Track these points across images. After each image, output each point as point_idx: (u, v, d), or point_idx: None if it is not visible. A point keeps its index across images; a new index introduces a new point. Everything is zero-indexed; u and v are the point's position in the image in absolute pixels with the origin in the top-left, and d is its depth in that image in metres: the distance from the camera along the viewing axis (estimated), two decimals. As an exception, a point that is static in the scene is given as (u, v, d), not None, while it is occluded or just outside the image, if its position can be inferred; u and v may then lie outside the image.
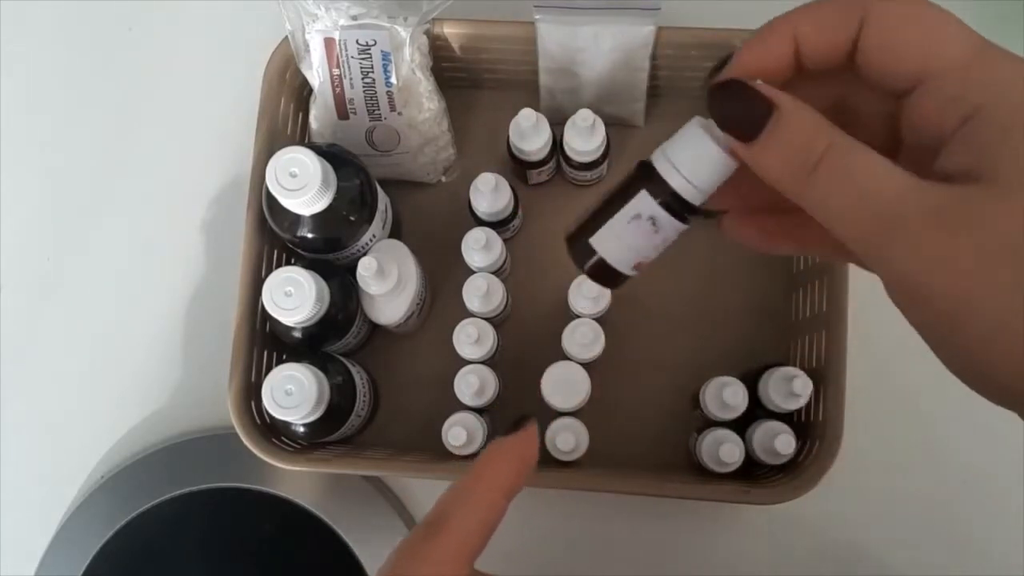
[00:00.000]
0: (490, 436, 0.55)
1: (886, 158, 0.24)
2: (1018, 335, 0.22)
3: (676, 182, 0.27)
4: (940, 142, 0.24)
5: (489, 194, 0.53)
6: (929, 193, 0.23)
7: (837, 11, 0.26)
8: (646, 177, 0.28)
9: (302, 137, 0.59)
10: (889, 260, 0.24)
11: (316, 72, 0.55)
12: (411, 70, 0.54)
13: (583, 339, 0.52)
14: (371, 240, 0.53)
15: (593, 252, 0.28)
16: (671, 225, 0.28)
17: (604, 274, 0.29)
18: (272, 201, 0.50)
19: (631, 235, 0.28)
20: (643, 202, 0.27)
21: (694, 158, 0.27)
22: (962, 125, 0.24)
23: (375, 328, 0.57)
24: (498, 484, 0.30)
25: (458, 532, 0.29)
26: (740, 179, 0.27)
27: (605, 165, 0.57)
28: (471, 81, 0.61)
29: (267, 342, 0.55)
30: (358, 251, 0.53)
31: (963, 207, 0.23)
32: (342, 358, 0.54)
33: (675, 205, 0.27)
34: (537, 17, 0.53)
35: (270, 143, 0.54)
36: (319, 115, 0.56)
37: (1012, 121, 0.23)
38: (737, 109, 0.25)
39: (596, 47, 0.54)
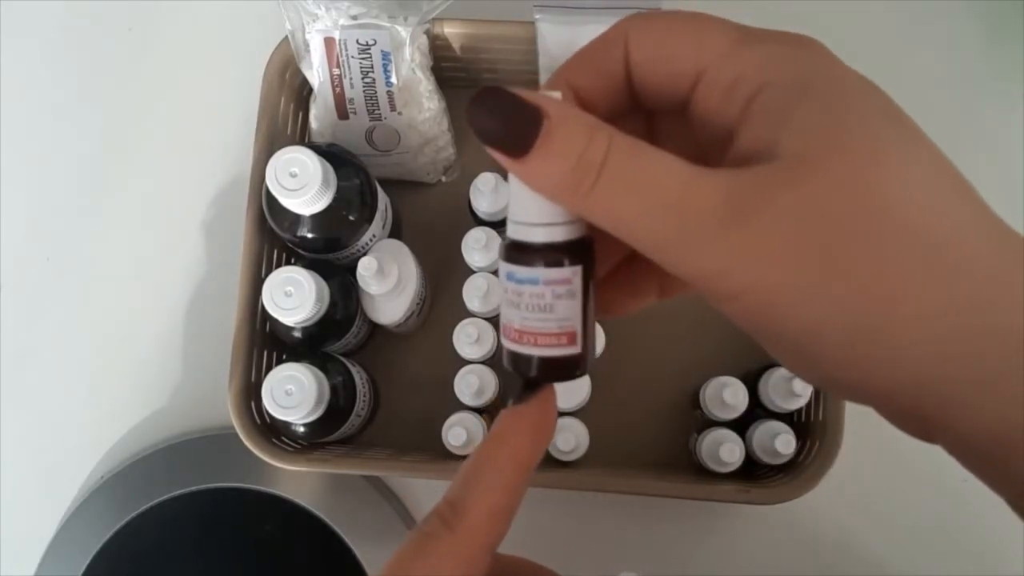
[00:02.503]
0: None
1: (675, 156, 0.22)
2: (833, 327, 0.21)
3: (516, 232, 0.24)
4: (729, 135, 0.23)
5: (489, 194, 0.53)
6: (717, 180, 0.21)
7: (600, 51, 0.25)
8: (501, 254, 0.25)
9: (302, 137, 0.59)
10: (689, 262, 0.22)
11: (316, 72, 0.55)
12: (411, 70, 0.54)
13: (583, 339, 0.52)
14: (371, 240, 0.53)
15: (526, 357, 0.25)
16: (548, 277, 0.24)
17: (554, 367, 0.25)
18: (272, 201, 0.50)
19: (528, 313, 0.24)
20: (504, 272, 0.24)
21: (514, 199, 0.24)
22: (745, 109, 0.23)
23: (375, 328, 0.57)
24: (515, 461, 0.26)
25: (477, 523, 0.25)
26: None
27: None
28: (471, 81, 0.61)
29: (267, 342, 0.55)
30: (358, 251, 0.53)
31: (751, 190, 0.21)
32: (342, 358, 0.54)
33: (526, 255, 0.24)
34: (537, 17, 0.53)
35: (270, 143, 0.54)
36: (319, 115, 0.56)
37: (788, 93, 0.22)
38: (500, 122, 0.22)
39: (596, 47, 0.54)
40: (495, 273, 0.54)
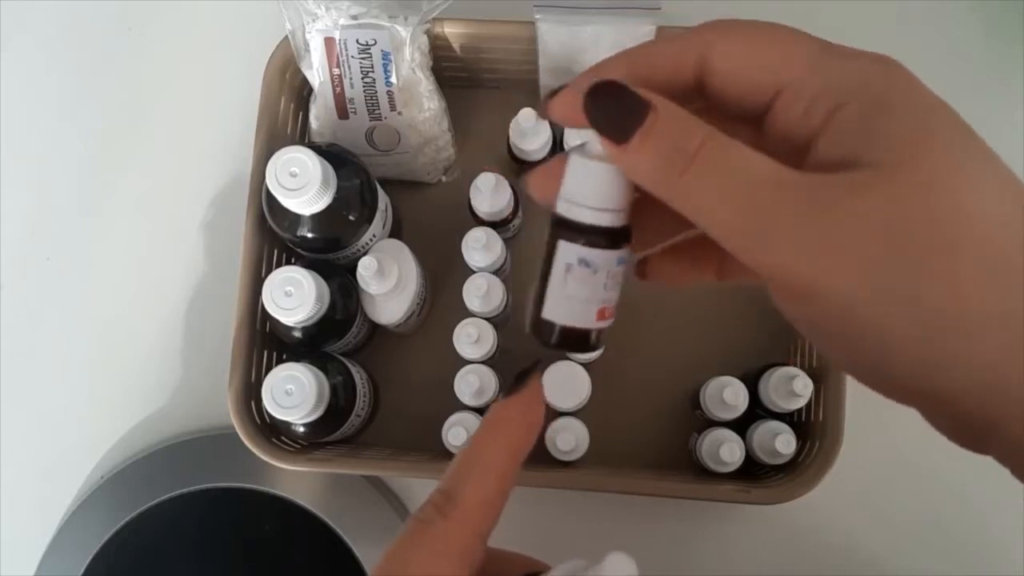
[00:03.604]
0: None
1: (762, 153, 0.23)
2: (909, 324, 0.22)
3: (581, 215, 0.26)
4: (808, 144, 0.25)
5: (489, 194, 0.53)
6: (804, 179, 0.23)
7: (673, 52, 0.26)
8: (557, 227, 0.27)
9: (302, 137, 0.59)
10: (768, 252, 0.23)
11: (316, 72, 0.55)
12: (411, 70, 0.54)
13: (583, 339, 0.52)
14: (371, 240, 0.53)
15: (551, 324, 0.27)
16: (604, 259, 0.26)
17: (574, 339, 0.27)
18: (272, 201, 0.50)
19: (574, 288, 0.27)
20: (564, 251, 0.26)
21: (585, 185, 0.26)
22: (827, 121, 0.24)
23: (375, 328, 0.57)
24: (507, 452, 0.27)
25: (470, 510, 0.26)
26: (644, 216, 0.28)
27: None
28: (471, 81, 0.61)
29: (267, 342, 0.55)
30: (358, 251, 0.53)
31: (838, 192, 0.22)
32: (342, 358, 0.54)
33: (594, 238, 0.26)
34: (537, 17, 0.53)
35: (270, 143, 0.54)
36: (319, 115, 0.56)
37: (872, 107, 0.23)
38: (612, 111, 0.24)
39: (596, 47, 0.54)
40: (495, 273, 0.54)
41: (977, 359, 0.22)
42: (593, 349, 0.28)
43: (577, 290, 0.27)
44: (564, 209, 0.26)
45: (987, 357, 0.22)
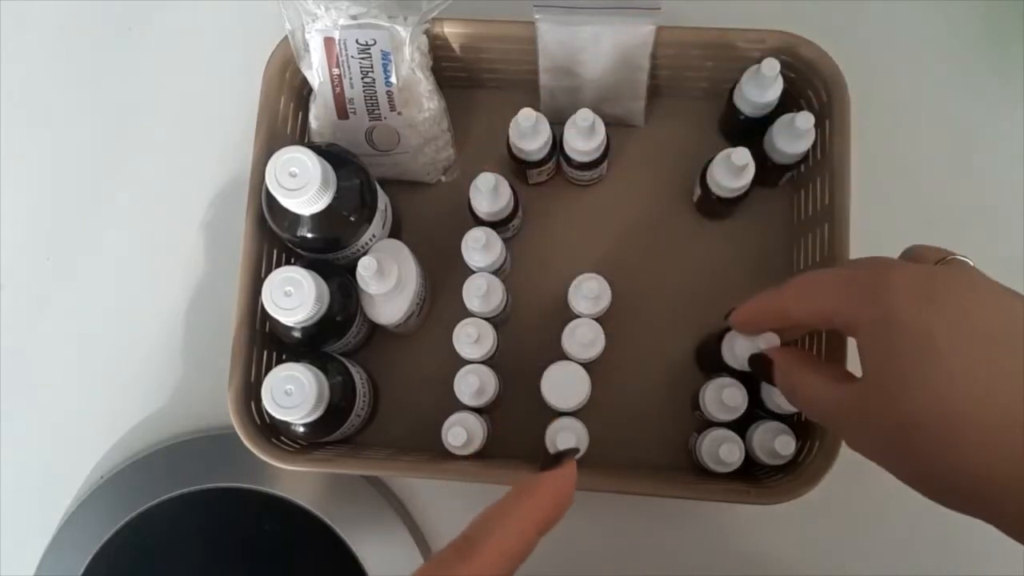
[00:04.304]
0: (490, 436, 0.55)
1: (826, 374, 0.39)
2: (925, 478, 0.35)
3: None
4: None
5: (489, 194, 0.53)
6: (842, 397, 0.38)
7: (770, 305, 0.43)
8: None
9: (302, 137, 0.59)
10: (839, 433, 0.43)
11: (316, 72, 0.55)
12: (411, 70, 0.54)
13: (583, 339, 0.52)
14: (371, 240, 0.53)
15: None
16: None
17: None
18: (272, 201, 0.50)
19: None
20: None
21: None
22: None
23: (375, 328, 0.57)
24: (532, 517, 0.30)
25: (487, 559, 0.28)
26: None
27: (605, 165, 0.57)
28: (471, 81, 0.61)
29: (267, 342, 0.55)
30: (358, 251, 0.53)
31: (863, 400, 0.36)
32: (342, 358, 0.54)
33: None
34: (537, 17, 0.53)
35: (270, 143, 0.54)
36: (319, 115, 0.56)
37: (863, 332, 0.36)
38: (760, 366, 0.45)
39: (596, 47, 0.54)
40: (495, 273, 0.54)
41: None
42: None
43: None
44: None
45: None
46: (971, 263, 0.39)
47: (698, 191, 0.57)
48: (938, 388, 0.33)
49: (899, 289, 0.35)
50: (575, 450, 0.32)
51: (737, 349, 0.48)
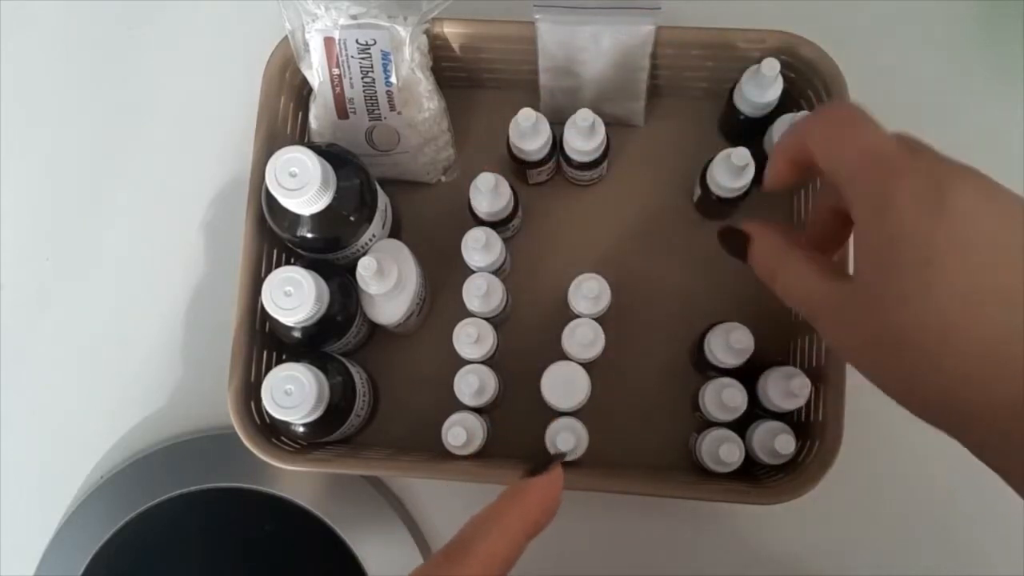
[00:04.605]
0: (490, 436, 0.55)
1: (814, 264, 0.37)
2: (902, 382, 0.34)
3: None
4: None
5: (489, 194, 0.53)
6: (831, 294, 0.36)
7: (796, 146, 0.39)
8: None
9: (302, 137, 0.59)
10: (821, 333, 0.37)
11: (316, 72, 0.55)
12: (411, 70, 0.54)
13: (583, 339, 0.52)
14: (371, 240, 0.53)
15: None
16: None
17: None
18: (272, 201, 0.50)
19: None
20: None
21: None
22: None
23: (375, 328, 0.57)
24: (521, 521, 0.30)
25: (478, 562, 0.29)
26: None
27: (605, 165, 0.57)
28: (471, 81, 0.61)
29: (267, 342, 0.55)
30: (358, 251, 0.53)
31: (850, 301, 0.35)
32: (342, 358, 0.54)
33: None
34: (537, 17, 0.53)
35: (270, 143, 0.54)
36: (319, 115, 0.56)
37: (864, 232, 0.34)
38: (734, 242, 0.42)
39: (596, 47, 0.54)
40: (495, 273, 0.54)
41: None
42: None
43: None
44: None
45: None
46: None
47: (698, 191, 0.57)
48: (938, 304, 0.32)
49: (908, 200, 0.33)
50: (562, 454, 0.33)
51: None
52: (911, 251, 0.32)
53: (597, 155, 0.55)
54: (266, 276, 0.49)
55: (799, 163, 0.38)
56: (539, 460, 0.33)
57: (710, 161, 0.54)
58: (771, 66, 0.51)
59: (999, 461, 0.32)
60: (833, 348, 0.38)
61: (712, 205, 0.56)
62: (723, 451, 0.51)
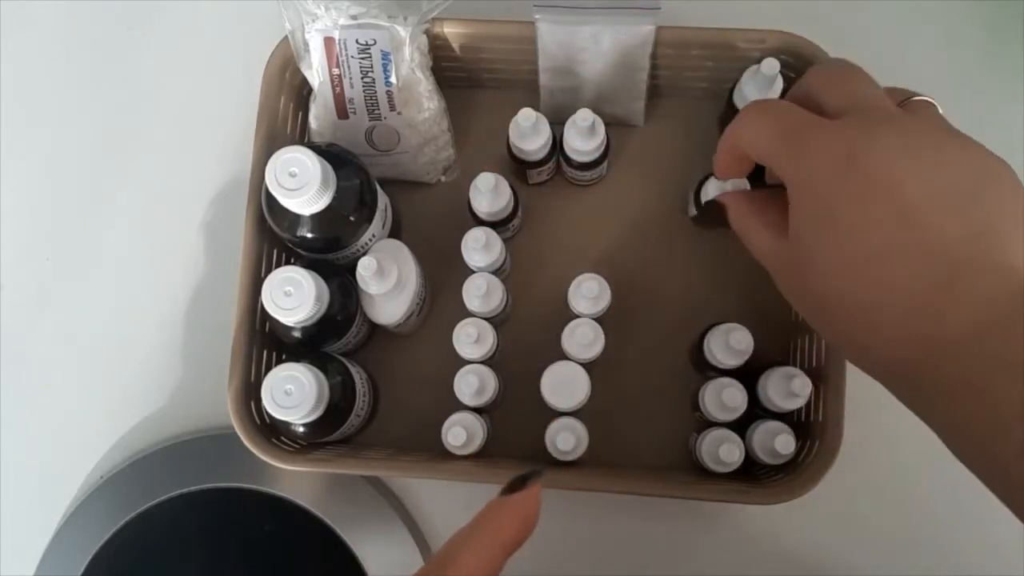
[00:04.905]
0: (490, 436, 0.55)
1: (769, 225, 0.39)
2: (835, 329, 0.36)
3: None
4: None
5: (489, 194, 0.53)
6: (777, 252, 0.39)
7: (732, 144, 0.42)
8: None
9: (302, 137, 0.59)
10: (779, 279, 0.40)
11: (316, 72, 0.55)
12: (411, 70, 0.54)
13: (583, 339, 0.52)
14: (371, 240, 0.53)
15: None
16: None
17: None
18: (271, 201, 0.50)
19: None
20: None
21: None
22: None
23: (375, 328, 0.57)
24: (497, 540, 0.31)
25: (463, 571, 0.30)
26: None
27: (605, 165, 0.57)
28: (471, 81, 0.61)
29: (266, 342, 0.55)
30: (358, 251, 0.53)
31: (788, 258, 0.38)
32: (342, 358, 0.54)
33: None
34: (537, 17, 0.53)
35: (270, 143, 0.54)
36: (319, 115, 0.56)
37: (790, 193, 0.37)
38: (715, 215, 0.44)
39: (596, 47, 0.54)
40: (495, 273, 0.54)
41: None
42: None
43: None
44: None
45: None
46: (935, 105, 0.39)
47: (693, 210, 0.56)
48: (840, 263, 0.34)
49: (819, 152, 0.34)
50: (538, 472, 0.33)
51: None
52: (818, 206, 0.34)
53: (597, 155, 0.55)
54: (266, 276, 0.49)
55: (738, 156, 0.41)
56: (516, 477, 0.33)
57: (703, 181, 0.54)
58: (771, 66, 0.51)
59: (919, 413, 0.35)
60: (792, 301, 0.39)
61: (708, 215, 0.56)
62: (723, 451, 0.51)
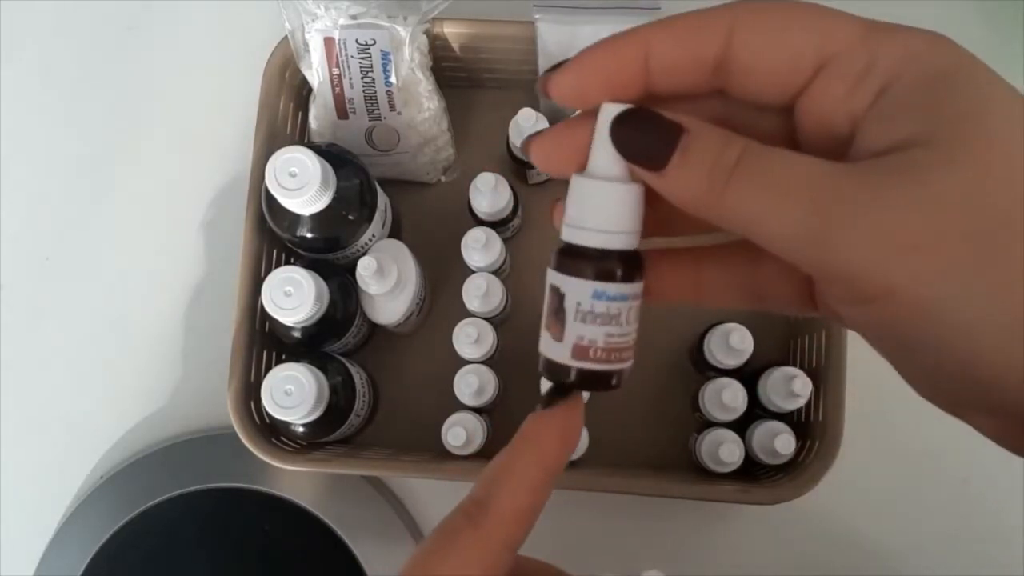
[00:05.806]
0: (490, 436, 0.55)
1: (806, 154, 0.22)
2: (996, 318, 0.19)
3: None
4: (851, 129, 0.22)
5: (489, 194, 0.53)
6: (856, 170, 0.20)
7: (700, 25, 0.23)
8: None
9: (301, 137, 0.59)
10: (830, 257, 0.20)
11: (316, 71, 0.55)
12: (411, 70, 0.54)
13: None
14: (371, 240, 0.53)
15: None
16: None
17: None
18: (271, 201, 0.50)
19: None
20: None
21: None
22: (876, 99, 0.22)
23: (375, 328, 0.57)
24: (542, 463, 0.26)
25: (502, 520, 0.25)
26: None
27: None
28: (471, 81, 0.61)
29: (266, 342, 0.55)
30: (358, 251, 0.53)
31: (897, 178, 0.20)
32: (341, 358, 0.54)
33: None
34: (537, 17, 0.53)
35: (269, 143, 0.54)
36: (319, 115, 0.56)
37: (928, 83, 0.21)
38: (644, 138, 0.23)
39: (596, 47, 0.54)
40: (495, 273, 0.54)
41: None
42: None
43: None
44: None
45: None
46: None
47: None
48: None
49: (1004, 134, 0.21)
50: (577, 380, 0.26)
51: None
52: (979, 224, 0.20)
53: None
54: (266, 276, 0.49)
55: None
56: (552, 389, 0.27)
57: None
58: None
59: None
60: (858, 281, 0.20)
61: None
62: (723, 451, 0.51)
